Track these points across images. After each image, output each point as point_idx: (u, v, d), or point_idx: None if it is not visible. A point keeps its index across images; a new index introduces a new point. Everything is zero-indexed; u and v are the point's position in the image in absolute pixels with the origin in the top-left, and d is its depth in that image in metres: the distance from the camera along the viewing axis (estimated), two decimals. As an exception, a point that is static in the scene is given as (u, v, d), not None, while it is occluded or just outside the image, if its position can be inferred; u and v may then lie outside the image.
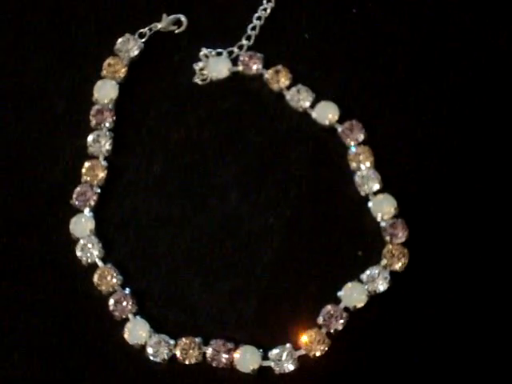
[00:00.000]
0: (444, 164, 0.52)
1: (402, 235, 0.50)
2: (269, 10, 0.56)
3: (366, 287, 0.49)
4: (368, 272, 0.49)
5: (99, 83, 0.54)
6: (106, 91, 0.54)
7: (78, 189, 0.52)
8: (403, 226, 0.50)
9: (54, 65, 0.55)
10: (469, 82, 0.53)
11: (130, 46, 0.55)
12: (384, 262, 0.49)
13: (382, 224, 0.50)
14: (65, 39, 0.55)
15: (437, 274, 0.50)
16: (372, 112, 0.53)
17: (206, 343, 0.49)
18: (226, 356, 0.48)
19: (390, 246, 0.50)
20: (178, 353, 0.48)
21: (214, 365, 0.48)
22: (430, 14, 0.55)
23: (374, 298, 0.49)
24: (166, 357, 0.48)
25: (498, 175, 0.51)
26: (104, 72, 0.54)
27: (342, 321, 0.48)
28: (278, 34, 0.56)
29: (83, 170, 0.52)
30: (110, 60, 0.55)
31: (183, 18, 0.56)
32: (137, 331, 0.49)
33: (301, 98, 0.53)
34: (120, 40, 0.55)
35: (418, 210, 0.51)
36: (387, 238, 0.50)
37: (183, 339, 0.48)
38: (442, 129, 0.53)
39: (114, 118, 0.54)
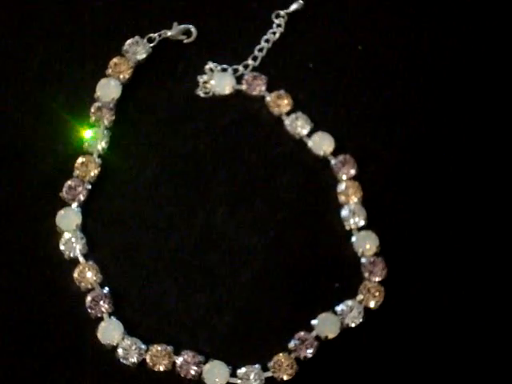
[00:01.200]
0: (433, 207, 0.53)
1: (380, 273, 0.51)
2: (278, 35, 0.57)
3: (340, 319, 0.50)
4: (343, 305, 0.50)
5: (103, 81, 0.54)
6: (108, 90, 0.54)
7: (68, 182, 0.52)
8: (382, 264, 0.51)
9: (60, 57, 0.55)
10: (464, 122, 0.55)
11: (138, 49, 0.56)
12: (360, 297, 0.51)
13: (363, 260, 0.51)
14: (75, 33, 0.56)
15: (411, 315, 0.51)
16: (366, 147, 0.54)
17: (178, 352, 0.49)
18: (195, 368, 0.49)
19: (367, 283, 0.51)
20: (148, 358, 0.49)
21: (182, 375, 0.49)
22: (429, 53, 0.56)
23: (346, 330, 0.50)
24: (135, 360, 0.49)
25: (486, 219, 0.53)
26: (109, 71, 0.55)
27: (311, 349, 0.49)
28: (283, 59, 0.57)
29: (76, 165, 0.52)
30: (116, 60, 0.55)
31: (193, 29, 0.57)
32: (110, 331, 0.49)
33: (299, 126, 0.54)
34: (129, 41, 0.56)
35: (401, 249, 0.52)
36: (366, 275, 0.51)
37: (155, 346, 0.49)
38: (434, 171, 0.54)
39: (114, 117, 0.54)
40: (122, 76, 0.55)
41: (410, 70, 0.56)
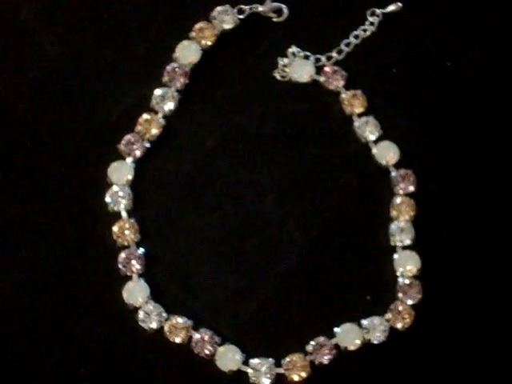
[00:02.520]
0: (485, 241, 0.52)
1: (414, 297, 0.50)
2: (368, 33, 0.56)
3: (363, 333, 0.49)
4: (370, 320, 0.50)
5: (185, 43, 0.54)
6: (188, 53, 0.54)
7: (128, 136, 0.52)
8: (419, 288, 0.50)
9: (146, 11, 0.55)
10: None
11: (226, 17, 0.55)
12: (388, 316, 0.50)
13: (400, 280, 0.51)
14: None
15: (438, 344, 0.50)
16: (431, 166, 0.53)
17: (196, 329, 0.49)
18: (210, 348, 0.49)
19: (399, 304, 0.50)
20: (166, 327, 0.49)
21: (195, 351, 0.49)
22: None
23: (368, 346, 0.50)
24: (154, 327, 0.49)
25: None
26: (193, 34, 0.54)
27: (329, 356, 0.49)
28: (368, 58, 0.55)
29: (140, 121, 0.52)
30: (202, 24, 0.55)
31: (285, 9, 0.56)
32: (135, 293, 0.49)
33: (368, 130, 0.53)
34: (218, 8, 0.55)
35: (442, 276, 0.51)
36: (399, 295, 0.50)
37: (176, 317, 0.49)
38: (496, 205, 0.52)
39: (187, 81, 0.54)
40: (204, 42, 0.54)
41: (499, 95, 0.54)
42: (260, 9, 0.56)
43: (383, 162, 0.53)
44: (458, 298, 0.51)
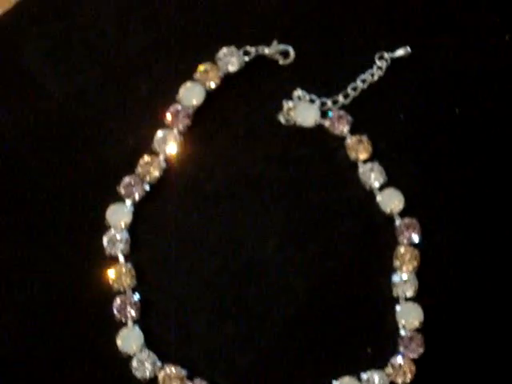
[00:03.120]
0: (491, 293, 0.50)
1: (415, 351, 0.49)
2: (376, 77, 0.55)
3: (362, 388, 0.48)
4: (369, 373, 0.48)
5: (189, 84, 0.53)
6: (192, 94, 0.53)
7: (127, 178, 0.51)
8: (420, 342, 0.49)
9: (153, 50, 0.54)
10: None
11: (231, 59, 0.54)
12: (388, 370, 0.48)
13: (402, 333, 0.49)
14: (173, 29, 0.55)
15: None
16: (437, 215, 0.52)
17: (191, 378, 0.48)
18: (205, 399, 0.47)
19: (400, 358, 0.49)
20: (160, 377, 0.48)
21: (189, 402, 0.48)
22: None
23: (366, 401, 0.48)
24: (147, 376, 0.48)
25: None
26: (197, 75, 0.54)
27: (327, 412, 0.48)
28: (374, 103, 0.54)
29: (140, 162, 0.52)
30: (206, 65, 0.54)
31: (291, 51, 0.55)
32: (130, 340, 0.48)
33: (372, 177, 0.52)
34: (224, 50, 0.54)
35: (445, 330, 0.49)
36: (401, 348, 0.49)
37: (170, 366, 0.48)
38: (504, 256, 0.51)
39: (190, 123, 0.53)
40: (208, 83, 0.54)
41: (508, 144, 0.53)
42: (266, 51, 0.55)
43: (387, 210, 0.52)
44: (461, 352, 0.49)
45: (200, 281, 0.50)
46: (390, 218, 0.52)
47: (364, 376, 0.48)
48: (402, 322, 0.49)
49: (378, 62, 0.55)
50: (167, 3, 0.55)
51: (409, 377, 0.48)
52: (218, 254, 0.51)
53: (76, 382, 0.48)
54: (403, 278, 0.50)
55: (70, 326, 0.49)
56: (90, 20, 0.54)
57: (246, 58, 0.54)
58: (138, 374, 0.48)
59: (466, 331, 0.50)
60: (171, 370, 0.48)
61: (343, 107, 0.54)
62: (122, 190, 0.51)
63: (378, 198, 0.52)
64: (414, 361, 0.49)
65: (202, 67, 0.54)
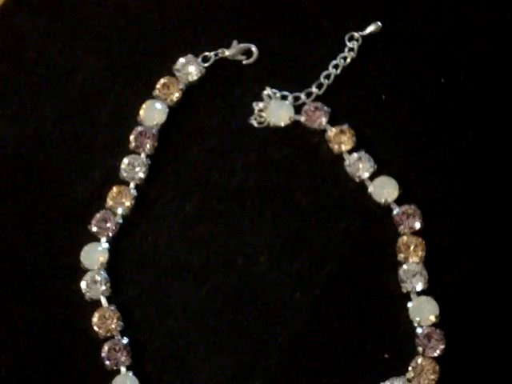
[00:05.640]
0: (507, 273, 0.46)
1: (436, 348, 0.44)
2: (348, 60, 0.51)
3: (385, 399, 0.44)
4: (389, 382, 0.44)
5: (148, 103, 0.50)
6: (153, 113, 0.50)
7: (98, 215, 0.47)
8: (440, 337, 0.44)
9: (105, 74, 0.50)
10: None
11: (190, 69, 0.51)
12: (410, 375, 0.44)
13: (418, 331, 0.45)
14: (123, 48, 0.51)
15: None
16: (436, 198, 0.48)
17: (195, 419, 0.44)
18: None
19: (421, 359, 0.44)
20: (162, 424, 0.44)
21: None
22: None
23: (391, 411, 0.44)
24: (148, 423, 0.44)
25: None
26: (156, 92, 0.50)
27: (348, 430, 0.43)
28: (351, 88, 0.50)
29: (109, 195, 0.48)
30: (165, 80, 0.50)
31: (254, 49, 0.51)
32: (125, 388, 0.44)
33: (360, 168, 0.48)
34: (181, 60, 0.51)
35: (465, 321, 0.45)
36: (419, 349, 0.44)
37: (171, 410, 0.44)
38: (510, 230, 0.47)
39: (156, 144, 0.49)
40: (169, 98, 0.50)
41: (501, 113, 0.49)
42: (227, 53, 0.51)
43: (382, 201, 0.48)
44: (485, 343, 0.45)
45: (191, 311, 0.46)
46: (386, 208, 0.48)
47: (383, 386, 0.44)
48: (416, 319, 0.45)
49: (349, 44, 0.51)
50: (111, 23, 0.51)
51: (432, 378, 0.44)
52: (206, 279, 0.47)
53: None
54: (411, 271, 0.46)
55: (58, 382, 0.45)
56: (35, 56, 0.51)
57: (206, 65, 0.50)
58: (137, 425, 0.44)
59: (488, 319, 0.45)
60: (173, 413, 0.44)
61: (318, 98, 0.50)
62: (95, 228, 0.47)
63: (370, 189, 0.48)
64: (437, 359, 0.44)
65: (160, 82, 0.50)
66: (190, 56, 0.51)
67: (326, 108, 0.50)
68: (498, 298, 0.45)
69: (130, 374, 0.45)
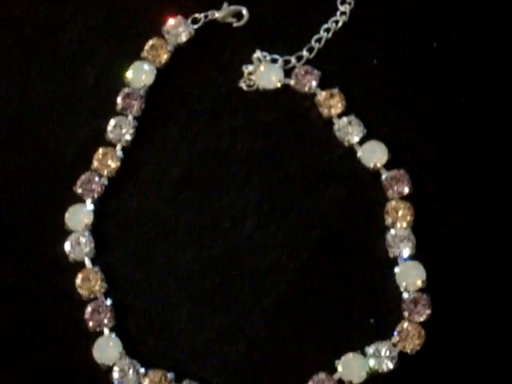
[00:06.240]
0: (496, 240, 0.45)
1: (422, 313, 0.44)
2: (340, 24, 0.50)
3: (369, 363, 0.43)
4: (374, 346, 0.43)
5: (136, 64, 0.49)
6: (141, 75, 0.49)
7: (83, 176, 0.47)
8: (427, 302, 0.44)
9: (94, 34, 0.50)
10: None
11: (179, 31, 0.50)
12: (395, 339, 0.44)
13: (404, 295, 0.44)
14: (113, 8, 0.50)
15: (454, 365, 0.44)
16: (425, 163, 0.47)
17: (179, 380, 0.44)
18: (196, 401, 0.43)
19: (406, 324, 0.44)
20: (145, 384, 0.43)
21: (181, 407, 0.43)
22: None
23: (375, 376, 0.43)
24: (131, 386, 0.43)
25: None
26: (145, 53, 0.49)
27: (331, 395, 0.43)
28: (342, 52, 0.50)
29: (95, 156, 0.47)
30: (153, 41, 0.50)
31: (245, 12, 0.50)
32: (107, 349, 0.44)
33: (350, 132, 0.48)
34: (170, 22, 0.50)
35: (451, 286, 0.45)
36: (405, 313, 0.44)
37: (154, 371, 0.43)
38: (504, 197, 0.46)
39: (144, 105, 0.48)
40: (158, 60, 0.49)
41: (492, 76, 0.48)
42: (217, 15, 0.50)
43: (371, 165, 0.47)
44: (472, 308, 0.44)
45: (177, 274, 0.46)
46: (375, 173, 0.47)
47: (369, 350, 0.44)
48: (403, 283, 0.45)
49: (341, 7, 0.51)
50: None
51: (418, 343, 0.43)
52: (192, 242, 0.46)
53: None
54: (398, 236, 0.45)
55: (40, 344, 0.44)
56: (22, 15, 0.50)
57: (196, 26, 0.50)
58: (121, 386, 0.43)
59: (475, 284, 0.44)
60: (156, 374, 0.43)
61: (309, 62, 0.49)
62: (80, 189, 0.47)
63: (359, 153, 0.47)
64: (423, 324, 0.44)
65: (148, 43, 0.49)
66: (179, 17, 0.50)
67: (316, 72, 0.49)
68: (484, 264, 0.45)
69: (113, 335, 0.44)
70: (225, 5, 0.51)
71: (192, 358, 0.44)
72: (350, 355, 0.44)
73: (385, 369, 0.43)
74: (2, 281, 0.45)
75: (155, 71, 0.49)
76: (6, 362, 0.44)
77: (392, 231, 0.46)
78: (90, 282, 0.45)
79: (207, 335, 0.45)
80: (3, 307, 0.45)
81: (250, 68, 0.49)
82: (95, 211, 0.47)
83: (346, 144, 0.48)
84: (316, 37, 0.50)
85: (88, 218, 0.46)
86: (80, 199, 0.47)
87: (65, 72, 0.50)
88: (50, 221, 0.47)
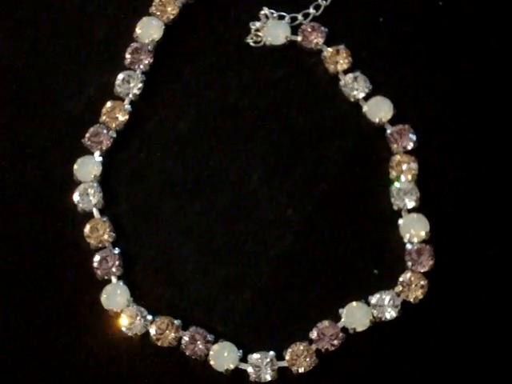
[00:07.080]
0: (498, 195, 0.46)
1: (425, 264, 0.44)
2: (347, -18, 0.51)
3: (372, 311, 0.44)
4: (378, 295, 0.44)
5: (144, 20, 0.49)
6: (149, 30, 0.49)
7: (92, 129, 0.47)
8: (430, 254, 0.44)
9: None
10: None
11: (188, -13, 0.50)
12: (399, 288, 0.44)
13: (408, 247, 0.45)
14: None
15: (456, 314, 0.44)
16: (430, 118, 0.48)
17: (186, 328, 0.44)
18: (203, 348, 0.44)
19: (409, 274, 0.44)
20: (152, 331, 0.44)
21: (187, 353, 0.44)
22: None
23: (379, 324, 0.44)
24: (139, 332, 0.44)
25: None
26: (153, 9, 0.50)
27: (336, 341, 0.44)
28: (350, 9, 0.50)
29: (103, 110, 0.48)
30: (162, -3, 0.50)
31: (253, -31, 0.51)
32: (115, 296, 0.44)
33: (356, 87, 0.48)
34: (179, -23, 0.50)
35: (454, 238, 0.45)
36: (409, 264, 0.45)
37: (161, 318, 0.44)
38: (506, 155, 0.47)
39: (152, 60, 0.49)
40: (166, 16, 0.50)
41: (498, 32, 0.48)
42: (225, -28, 0.51)
43: (376, 120, 0.47)
44: (474, 260, 0.45)
45: (184, 226, 0.46)
46: (380, 128, 0.48)
47: (373, 299, 0.44)
48: (406, 235, 0.45)
49: (349, -34, 0.51)
50: None
51: (420, 292, 0.44)
52: (199, 195, 0.47)
53: (63, 348, 0.44)
54: (402, 189, 0.46)
55: (49, 291, 0.45)
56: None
57: (204, -17, 0.50)
58: (129, 332, 0.44)
59: (478, 237, 0.45)
60: (163, 321, 0.44)
61: (315, 19, 0.50)
62: (88, 142, 0.47)
63: (365, 109, 0.48)
64: (426, 275, 0.44)
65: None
66: (187, -26, 0.50)
67: (322, 28, 0.49)
68: (487, 216, 0.46)
69: (121, 283, 0.45)
70: (233, -38, 0.51)
71: (198, 307, 0.45)
72: (354, 304, 0.44)
73: (388, 317, 0.44)
74: (13, 230, 0.46)
75: (163, 27, 0.50)
76: (15, 309, 0.45)
77: (396, 184, 0.46)
78: (98, 231, 0.46)
79: (213, 284, 0.45)
80: (14, 256, 0.46)
81: (258, 24, 0.50)
82: (103, 163, 0.47)
83: (352, 99, 0.48)
84: (323, -6, 0.51)
85: (96, 170, 0.47)
86: (88, 151, 0.47)
87: (73, 27, 0.50)
88: (59, 172, 0.47)
